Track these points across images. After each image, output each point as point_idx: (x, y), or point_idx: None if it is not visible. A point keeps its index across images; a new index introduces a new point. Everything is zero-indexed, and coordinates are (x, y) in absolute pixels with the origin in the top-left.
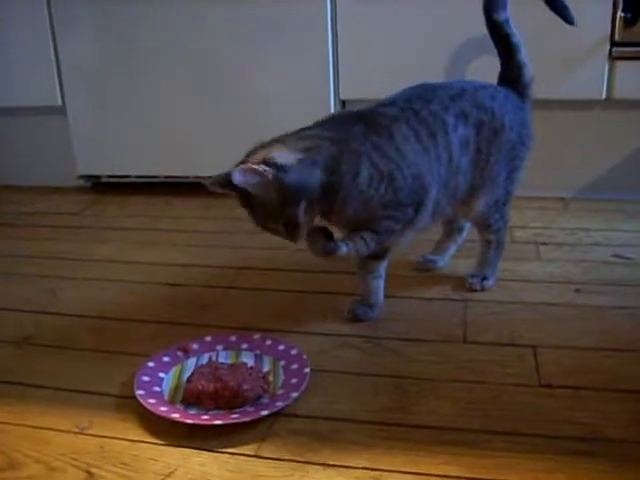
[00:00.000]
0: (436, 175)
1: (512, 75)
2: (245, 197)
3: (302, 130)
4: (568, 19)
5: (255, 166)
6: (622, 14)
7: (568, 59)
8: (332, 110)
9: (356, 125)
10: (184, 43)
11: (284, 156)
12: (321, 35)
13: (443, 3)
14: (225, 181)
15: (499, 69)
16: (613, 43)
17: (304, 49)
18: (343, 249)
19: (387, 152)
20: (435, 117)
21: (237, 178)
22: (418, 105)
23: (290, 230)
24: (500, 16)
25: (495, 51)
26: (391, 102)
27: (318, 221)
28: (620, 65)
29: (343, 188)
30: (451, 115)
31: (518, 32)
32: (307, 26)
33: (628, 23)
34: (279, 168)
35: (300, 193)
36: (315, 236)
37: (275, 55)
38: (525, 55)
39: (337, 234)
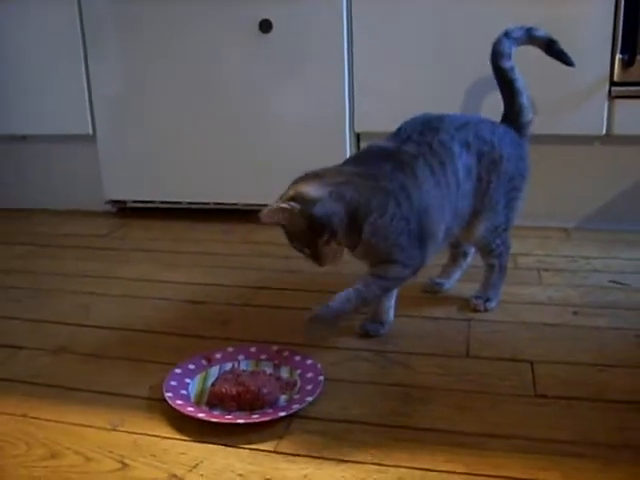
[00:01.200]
0: (447, 204)
1: (513, 115)
2: (282, 227)
3: (340, 166)
4: (568, 62)
5: (282, 205)
6: (620, 56)
7: (571, 98)
8: (347, 143)
9: (386, 163)
10: (207, 76)
11: (314, 190)
12: (337, 68)
13: (458, 38)
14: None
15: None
16: (612, 83)
17: (320, 83)
18: (345, 307)
19: (411, 193)
20: (444, 146)
21: (264, 219)
22: (430, 137)
23: (313, 254)
24: (506, 64)
25: None
26: (407, 138)
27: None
28: (619, 103)
29: (369, 223)
30: (456, 144)
31: (522, 78)
32: (323, 60)
33: (626, 64)
34: (307, 202)
35: (323, 225)
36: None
37: (292, 88)
38: (526, 99)
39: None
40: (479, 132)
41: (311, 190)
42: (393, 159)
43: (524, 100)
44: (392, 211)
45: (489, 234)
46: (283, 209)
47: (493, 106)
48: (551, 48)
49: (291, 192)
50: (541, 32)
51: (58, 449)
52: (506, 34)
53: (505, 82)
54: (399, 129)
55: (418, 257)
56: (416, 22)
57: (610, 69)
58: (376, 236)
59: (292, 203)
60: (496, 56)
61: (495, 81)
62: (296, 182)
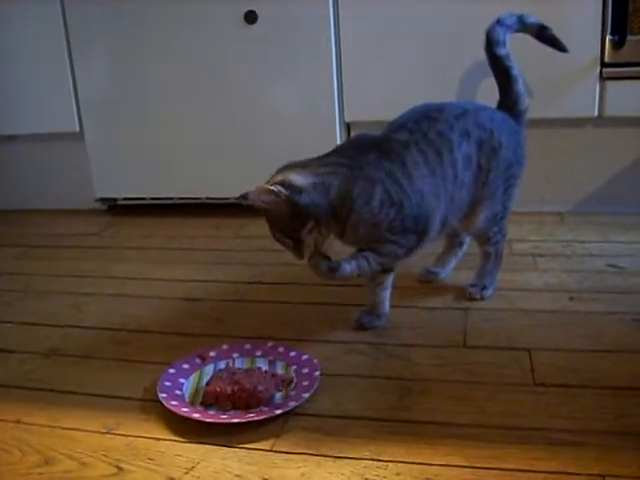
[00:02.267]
0: (442, 194)
1: (509, 103)
2: (263, 209)
3: (324, 156)
4: (560, 48)
5: (270, 187)
6: (610, 37)
7: (562, 80)
8: (337, 132)
9: (371, 152)
10: (194, 70)
11: (300, 179)
12: (325, 58)
13: (448, 26)
14: (247, 196)
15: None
16: (603, 64)
17: (308, 73)
18: (346, 268)
19: (399, 180)
20: (442, 137)
21: (252, 196)
22: (426, 126)
23: (295, 245)
24: (501, 51)
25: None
26: (401, 125)
27: (329, 241)
28: (610, 85)
29: (355, 212)
30: (456, 134)
31: (517, 65)
32: (311, 50)
33: (616, 45)
34: (293, 189)
35: (308, 214)
36: (317, 258)
37: (281, 79)
38: (522, 86)
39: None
40: (478, 120)
41: (298, 178)
42: (379, 147)
43: (520, 87)
44: (379, 198)
45: (488, 223)
46: (271, 191)
47: (485, 92)
48: (543, 34)
49: (279, 177)
50: (532, 19)
51: (52, 455)
52: (499, 21)
53: (501, 70)
54: (396, 118)
55: (413, 239)
56: (405, 10)
57: (601, 50)
58: (364, 224)
59: (280, 187)
60: (491, 44)
61: (487, 67)
62: (282, 170)
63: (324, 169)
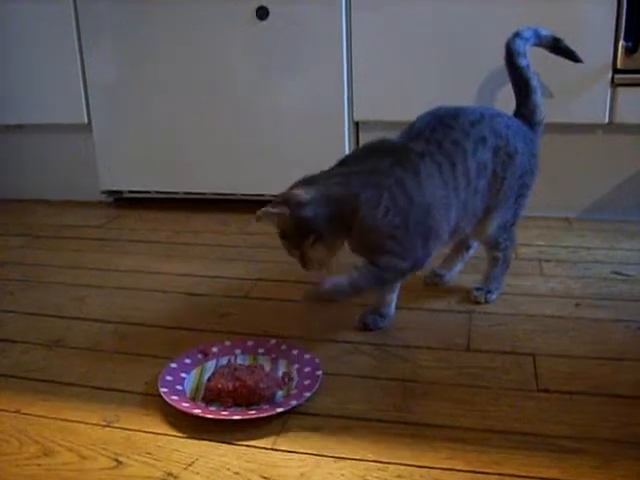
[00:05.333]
0: (454, 203)
1: (526, 113)
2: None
3: (338, 165)
4: (575, 59)
5: (271, 210)
6: (624, 43)
7: (573, 85)
8: (346, 131)
9: (386, 159)
10: (203, 64)
11: (302, 194)
12: (336, 56)
13: (460, 27)
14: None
15: (513, 100)
16: (615, 70)
17: (318, 71)
18: (341, 290)
19: (409, 190)
20: (457, 146)
21: (258, 220)
22: (441, 134)
23: (300, 257)
24: (522, 62)
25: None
26: (418, 134)
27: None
28: (622, 91)
29: (358, 216)
30: (470, 141)
31: (536, 76)
32: (321, 48)
33: (629, 52)
34: (295, 205)
35: (309, 228)
36: (310, 290)
37: (290, 76)
38: (540, 97)
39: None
40: (494, 126)
41: (300, 193)
42: (395, 155)
43: (538, 98)
44: (385, 204)
45: (498, 230)
46: (275, 214)
47: (494, 93)
48: (558, 46)
49: (284, 196)
50: (546, 31)
51: (51, 446)
52: (517, 34)
53: (520, 80)
54: (412, 124)
55: (419, 253)
56: (416, 9)
57: (613, 56)
58: (367, 231)
59: (283, 207)
60: (511, 55)
61: (497, 70)
62: (293, 185)
63: (333, 180)
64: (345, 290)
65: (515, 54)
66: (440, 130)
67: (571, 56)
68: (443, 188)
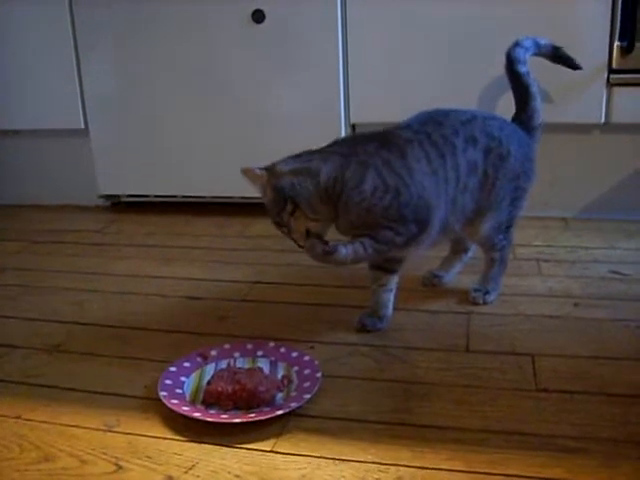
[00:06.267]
0: (443, 194)
1: (524, 118)
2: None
3: (325, 146)
4: (575, 66)
5: (252, 169)
6: (619, 43)
7: (569, 85)
8: (342, 133)
9: (371, 143)
10: (200, 68)
11: (283, 165)
12: (332, 58)
13: (454, 29)
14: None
15: (509, 103)
16: (611, 70)
17: (315, 73)
18: (342, 251)
19: (397, 169)
20: (446, 140)
21: (242, 173)
22: (430, 128)
23: (284, 230)
24: (522, 69)
25: (505, 87)
26: (406, 125)
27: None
28: (618, 91)
29: (344, 194)
30: (460, 139)
31: (536, 82)
32: (318, 50)
33: (625, 51)
34: (274, 174)
35: (285, 196)
36: (313, 240)
37: (287, 78)
38: (539, 103)
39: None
40: (487, 128)
41: (282, 164)
42: (381, 139)
43: (537, 104)
44: (372, 183)
45: (493, 232)
46: (254, 173)
47: (493, 96)
48: (557, 55)
49: (267, 166)
50: (545, 40)
51: (52, 451)
52: (517, 43)
53: (520, 86)
54: (402, 121)
55: (414, 229)
56: (413, 12)
57: (609, 56)
58: (355, 208)
59: (263, 171)
60: (512, 62)
61: (493, 73)
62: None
63: (316, 155)
64: (347, 254)
65: (515, 61)
66: (430, 125)
67: (570, 63)
68: (432, 175)
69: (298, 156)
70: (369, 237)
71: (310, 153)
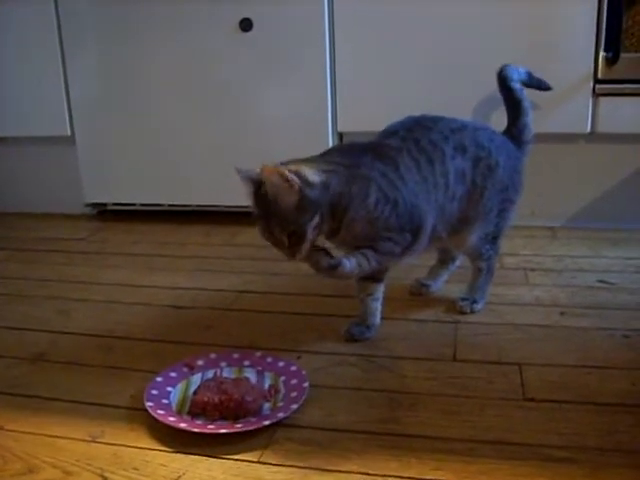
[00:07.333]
0: (433, 201)
1: (515, 132)
2: (262, 199)
3: (326, 154)
4: (545, 87)
5: (287, 173)
6: (604, 54)
7: (555, 96)
8: (330, 142)
9: (366, 154)
10: (187, 76)
11: (311, 174)
12: (320, 67)
13: (441, 38)
14: (254, 177)
15: (496, 112)
16: (596, 80)
17: (302, 82)
18: (347, 264)
19: (393, 181)
20: (434, 146)
21: (266, 174)
22: (418, 134)
23: (293, 242)
24: (515, 85)
25: (494, 96)
26: (393, 132)
27: (321, 243)
28: (603, 101)
29: (352, 208)
30: (450, 146)
31: (528, 98)
32: (305, 59)
33: (610, 62)
34: (306, 183)
35: (315, 209)
36: (318, 254)
37: (274, 87)
38: (530, 119)
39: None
40: (477, 138)
41: (310, 173)
42: (373, 151)
43: (528, 120)
44: (375, 195)
45: (479, 242)
46: (285, 176)
47: (483, 106)
48: (530, 80)
49: (293, 167)
50: (520, 68)
51: (35, 463)
52: (506, 65)
53: (512, 101)
54: (388, 126)
55: (409, 237)
56: (399, 22)
57: (594, 67)
58: (360, 221)
59: (295, 177)
60: (505, 79)
61: (482, 84)
62: (288, 163)
63: (327, 167)
64: (352, 267)
65: (508, 78)
66: (418, 130)
67: (540, 86)
68: (423, 182)
69: (311, 162)
70: (371, 249)
71: (322, 161)
